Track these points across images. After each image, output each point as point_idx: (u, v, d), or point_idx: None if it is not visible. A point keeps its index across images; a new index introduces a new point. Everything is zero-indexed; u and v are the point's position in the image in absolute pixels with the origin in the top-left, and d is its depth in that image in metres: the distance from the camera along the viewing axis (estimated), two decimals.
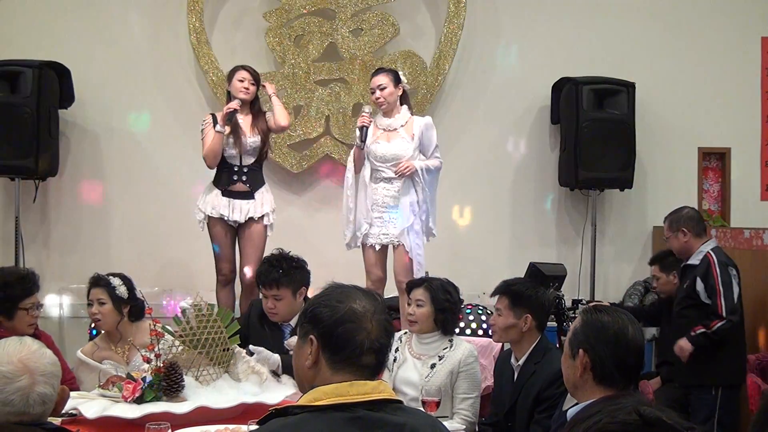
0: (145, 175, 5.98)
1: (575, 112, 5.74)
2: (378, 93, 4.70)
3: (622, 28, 6.25)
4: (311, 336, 1.83)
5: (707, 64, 6.28)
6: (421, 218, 4.71)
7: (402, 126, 4.74)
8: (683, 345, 4.36)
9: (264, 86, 5.10)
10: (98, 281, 3.86)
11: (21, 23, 5.90)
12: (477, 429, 3.64)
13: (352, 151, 4.82)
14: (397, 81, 4.72)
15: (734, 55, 6.30)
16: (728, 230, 5.66)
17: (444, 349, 3.69)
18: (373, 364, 1.81)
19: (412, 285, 3.87)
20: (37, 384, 2.00)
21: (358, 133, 4.72)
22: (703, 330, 4.31)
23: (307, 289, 3.98)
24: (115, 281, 3.83)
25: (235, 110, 4.79)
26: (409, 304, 3.76)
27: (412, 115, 4.81)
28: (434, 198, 4.84)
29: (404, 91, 4.81)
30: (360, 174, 4.77)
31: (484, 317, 4.99)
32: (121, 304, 3.78)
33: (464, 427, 3.52)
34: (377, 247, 4.71)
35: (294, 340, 3.48)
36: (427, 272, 5.07)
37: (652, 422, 1.12)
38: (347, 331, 1.79)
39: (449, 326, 3.75)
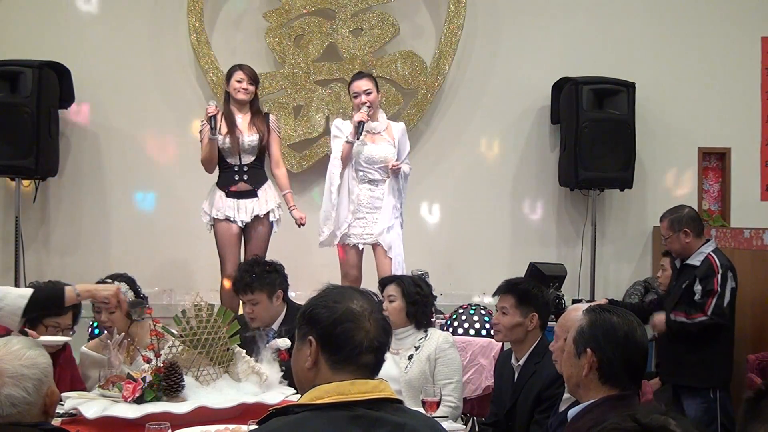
0: (145, 175, 5.98)
1: (575, 112, 5.74)
2: (364, 97, 4.72)
3: (622, 28, 6.26)
4: (310, 337, 1.82)
5: (707, 64, 6.29)
6: (398, 221, 4.78)
7: (384, 130, 4.83)
8: (658, 322, 4.42)
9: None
10: None
11: (21, 23, 5.90)
12: (477, 428, 3.65)
13: (340, 148, 4.77)
14: (378, 86, 4.83)
15: (734, 55, 6.30)
16: (728, 230, 5.66)
17: (420, 339, 3.75)
18: (372, 362, 1.82)
19: (385, 282, 3.92)
20: (5, 386, 2.00)
21: (347, 129, 4.74)
22: (683, 319, 4.34)
23: (285, 292, 3.97)
24: (122, 287, 3.81)
25: (214, 116, 4.75)
26: (381, 301, 3.79)
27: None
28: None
29: None
30: (344, 173, 4.78)
31: (477, 317, 4.98)
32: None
33: (464, 427, 3.52)
34: (360, 247, 4.75)
35: (276, 342, 3.49)
36: (427, 272, 5.08)
37: (652, 429, 1.13)
38: (346, 331, 1.79)
39: (422, 319, 3.80)
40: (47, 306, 3.19)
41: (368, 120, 4.71)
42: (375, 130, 4.80)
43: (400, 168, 4.72)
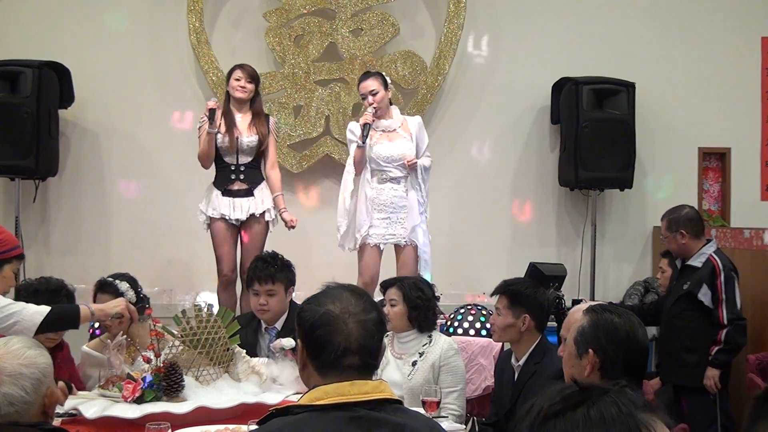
0: (145, 175, 5.98)
1: (575, 112, 5.74)
2: (371, 98, 4.70)
3: (622, 28, 6.26)
4: (298, 339, 1.84)
5: (707, 64, 6.29)
6: (424, 216, 4.77)
7: (400, 126, 4.78)
8: (710, 374, 4.32)
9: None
10: (105, 287, 3.82)
11: (21, 23, 5.90)
12: (477, 428, 3.64)
13: (352, 153, 4.78)
14: (386, 85, 4.76)
15: (734, 55, 6.30)
16: (728, 230, 5.65)
17: (424, 345, 3.72)
18: (358, 364, 1.78)
19: (386, 285, 3.88)
20: (3, 384, 2.00)
21: (359, 131, 4.68)
22: (716, 348, 4.31)
23: (293, 291, 3.99)
24: (123, 286, 3.81)
25: (213, 109, 4.74)
26: (383, 305, 3.76)
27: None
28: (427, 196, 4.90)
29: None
30: (360, 176, 4.77)
31: (477, 317, 4.98)
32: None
33: (462, 427, 3.51)
34: (381, 247, 4.73)
35: (281, 342, 3.49)
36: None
37: (587, 387, 1.16)
38: (324, 335, 1.78)
39: (424, 323, 3.76)
40: (62, 324, 3.21)
41: (373, 121, 4.68)
42: (390, 128, 4.76)
43: (416, 163, 4.69)
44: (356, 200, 4.76)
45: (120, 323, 3.34)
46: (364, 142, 4.66)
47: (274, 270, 3.88)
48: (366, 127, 4.64)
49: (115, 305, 3.23)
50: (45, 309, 3.01)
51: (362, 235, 4.71)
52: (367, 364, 1.80)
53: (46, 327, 3.01)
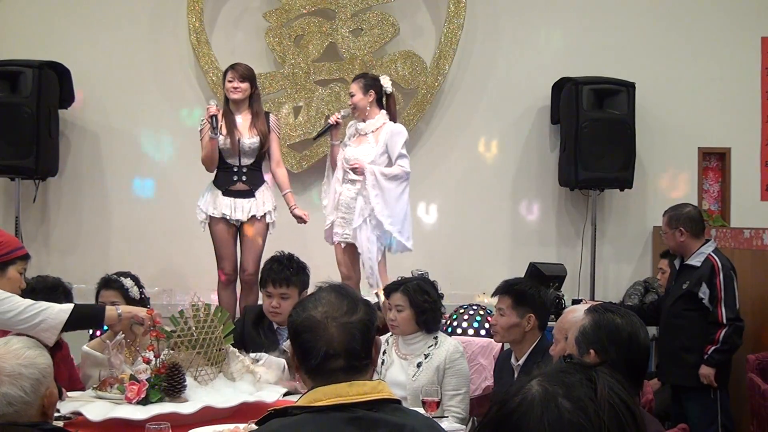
0: (145, 175, 5.98)
1: (575, 112, 5.74)
2: (350, 100, 4.87)
3: (622, 28, 6.25)
4: (290, 344, 1.88)
5: (707, 64, 6.28)
6: (372, 224, 4.71)
7: (373, 132, 4.83)
8: (705, 372, 4.31)
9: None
10: (110, 283, 3.82)
11: (21, 23, 5.90)
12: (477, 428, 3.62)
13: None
14: (367, 88, 4.80)
15: (734, 55, 6.30)
16: (728, 230, 5.65)
17: (429, 347, 3.70)
18: (343, 366, 1.77)
19: (389, 289, 3.85)
20: (2, 384, 1.99)
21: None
22: (713, 347, 4.30)
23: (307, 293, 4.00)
24: (128, 282, 3.80)
25: (214, 115, 4.73)
26: (389, 309, 3.76)
27: (390, 120, 4.87)
28: (400, 209, 4.74)
29: (387, 95, 4.90)
30: (334, 173, 4.94)
31: (477, 317, 4.98)
32: (134, 306, 3.76)
33: (463, 427, 3.51)
34: (343, 245, 4.84)
35: (288, 343, 3.48)
36: (427, 272, 5.06)
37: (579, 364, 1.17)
38: (307, 341, 1.79)
39: (432, 325, 3.75)
40: (87, 323, 3.20)
41: (337, 124, 4.88)
42: (362, 132, 4.86)
43: (360, 168, 4.69)
44: (330, 195, 4.94)
45: (144, 331, 3.32)
46: (314, 139, 5.18)
47: (290, 273, 3.86)
48: (326, 125, 4.93)
49: (141, 311, 3.24)
50: (69, 307, 3.02)
51: (326, 228, 4.92)
52: (353, 366, 1.79)
53: (70, 326, 3.01)
